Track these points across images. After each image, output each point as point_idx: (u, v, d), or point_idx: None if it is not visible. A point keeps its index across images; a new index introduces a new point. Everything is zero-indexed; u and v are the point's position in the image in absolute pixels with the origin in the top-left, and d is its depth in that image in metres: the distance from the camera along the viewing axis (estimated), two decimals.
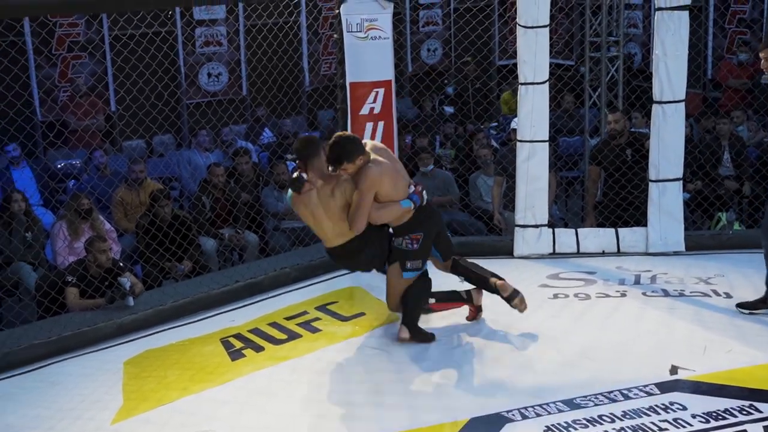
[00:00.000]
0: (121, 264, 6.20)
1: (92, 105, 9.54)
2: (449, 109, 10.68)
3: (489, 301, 5.29)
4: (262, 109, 10.39)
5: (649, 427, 3.92)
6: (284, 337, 5.37)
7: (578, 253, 6.49)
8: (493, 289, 5.16)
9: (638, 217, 6.74)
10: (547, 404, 4.18)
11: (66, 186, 8.48)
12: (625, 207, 7.02)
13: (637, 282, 5.86)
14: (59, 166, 8.98)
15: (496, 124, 10.24)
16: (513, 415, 4.11)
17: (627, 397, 4.21)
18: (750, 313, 5.15)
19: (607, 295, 5.65)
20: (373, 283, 6.30)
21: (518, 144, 6.44)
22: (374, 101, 6.46)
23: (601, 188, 7.43)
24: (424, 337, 5.01)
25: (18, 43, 9.26)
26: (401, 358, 4.86)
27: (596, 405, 4.14)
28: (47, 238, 7.20)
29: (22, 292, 6.70)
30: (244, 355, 5.10)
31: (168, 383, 4.76)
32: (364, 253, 5.04)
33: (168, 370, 4.93)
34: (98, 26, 9.97)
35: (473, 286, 5.32)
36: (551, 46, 6.45)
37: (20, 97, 6.81)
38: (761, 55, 5.04)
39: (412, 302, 5.08)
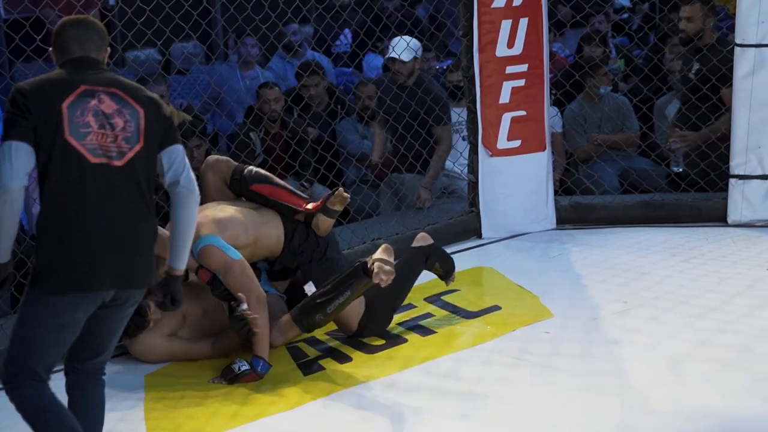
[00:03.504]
0: None
1: None
2: None
3: None
4: None
5: None
6: (380, 342, 5.49)
7: None
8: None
9: None
10: None
11: None
12: None
13: None
14: None
15: None
16: None
17: None
18: None
19: None
20: (510, 262, 6.41)
21: (737, 51, 6.42)
22: None
23: None
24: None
25: None
26: (560, 376, 4.94)
27: None
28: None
29: None
30: (321, 368, 5.22)
31: (210, 408, 4.86)
32: None
33: (210, 388, 5.05)
34: None
35: None
36: None
37: None
38: None
39: None
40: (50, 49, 3.97)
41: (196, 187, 3.90)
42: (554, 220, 7.01)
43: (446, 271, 5.70)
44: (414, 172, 7.53)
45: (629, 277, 6.04)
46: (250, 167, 5.71)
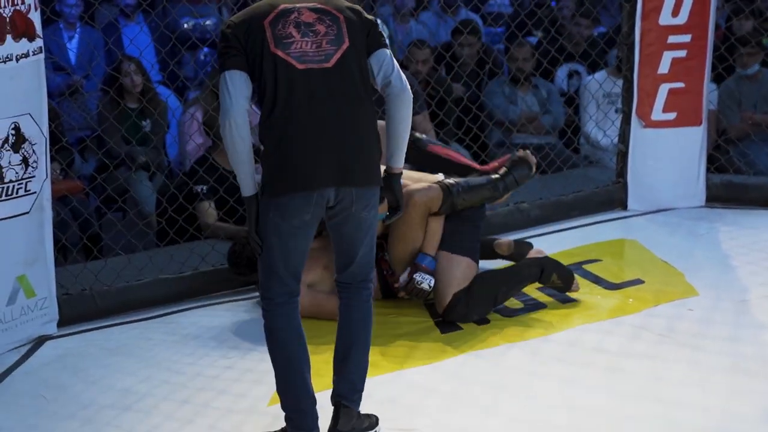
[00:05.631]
0: None
1: None
2: None
3: None
4: None
5: None
6: (519, 305, 5.53)
7: None
8: None
9: None
10: None
11: (197, 56, 8.84)
12: None
13: None
14: (186, 26, 9.33)
15: None
16: None
17: None
18: None
19: None
20: (655, 236, 6.38)
21: None
22: None
23: None
24: None
25: None
26: (705, 356, 4.89)
27: None
28: (168, 130, 7.59)
29: (132, 208, 7.03)
30: (459, 327, 5.28)
31: None
32: None
33: None
34: None
35: None
36: None
37: None
38: None
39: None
40: None
41: (407, 86, 3.96)
42: (704, 198, 6.93)
43: (565, 281, 5.57)
44: None
45: None
46: (414, 133, 5.60)
